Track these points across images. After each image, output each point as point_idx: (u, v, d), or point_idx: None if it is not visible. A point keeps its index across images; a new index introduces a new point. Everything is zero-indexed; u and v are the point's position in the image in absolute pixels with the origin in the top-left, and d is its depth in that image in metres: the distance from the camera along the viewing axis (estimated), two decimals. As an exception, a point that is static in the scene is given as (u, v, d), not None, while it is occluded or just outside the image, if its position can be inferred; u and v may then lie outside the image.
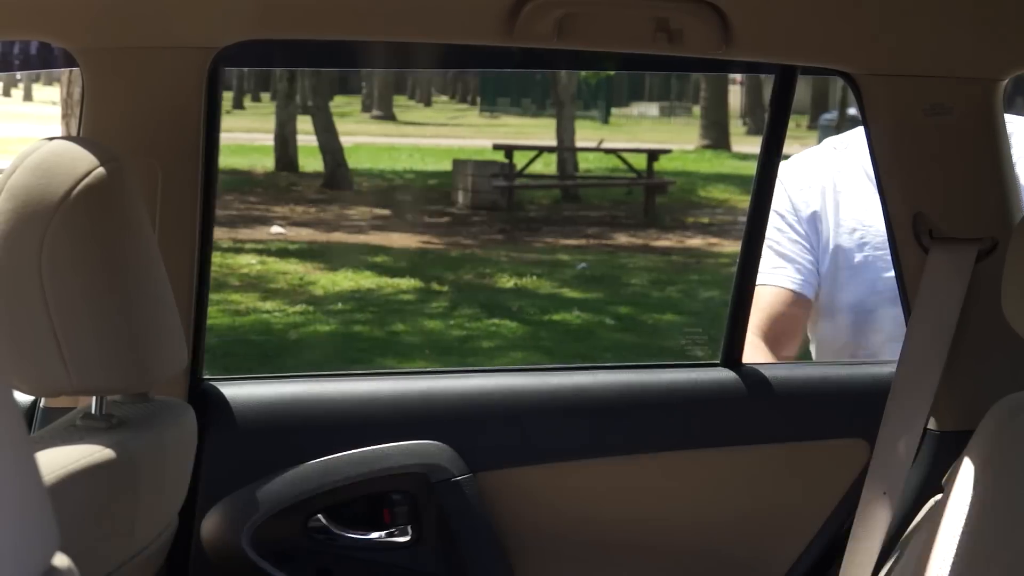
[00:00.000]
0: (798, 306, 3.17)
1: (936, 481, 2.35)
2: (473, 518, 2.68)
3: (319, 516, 2.64)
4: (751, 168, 2.95)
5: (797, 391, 2.88)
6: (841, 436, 2.82)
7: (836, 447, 2.82)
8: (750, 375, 2.86)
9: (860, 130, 2.95)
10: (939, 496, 2.32)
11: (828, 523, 2.82)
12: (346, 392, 2.73)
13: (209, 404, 2.57)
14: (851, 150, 3.22)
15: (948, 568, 2.20)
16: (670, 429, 2.82)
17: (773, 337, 3.15)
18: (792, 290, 3.16)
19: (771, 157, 2.78)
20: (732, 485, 2.85)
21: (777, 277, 3.18)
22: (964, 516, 2.21)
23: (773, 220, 3.10)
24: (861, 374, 2.91)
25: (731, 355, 2.86)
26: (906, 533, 2.34)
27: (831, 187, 3.24)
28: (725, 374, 2.84)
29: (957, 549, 2.20)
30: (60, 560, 1.08)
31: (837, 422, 2.84)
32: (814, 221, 3.23)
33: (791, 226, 3.23)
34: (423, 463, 2.66)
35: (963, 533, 2.21)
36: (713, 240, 16.31)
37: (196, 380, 2.57)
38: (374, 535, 2.69)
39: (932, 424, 2.43)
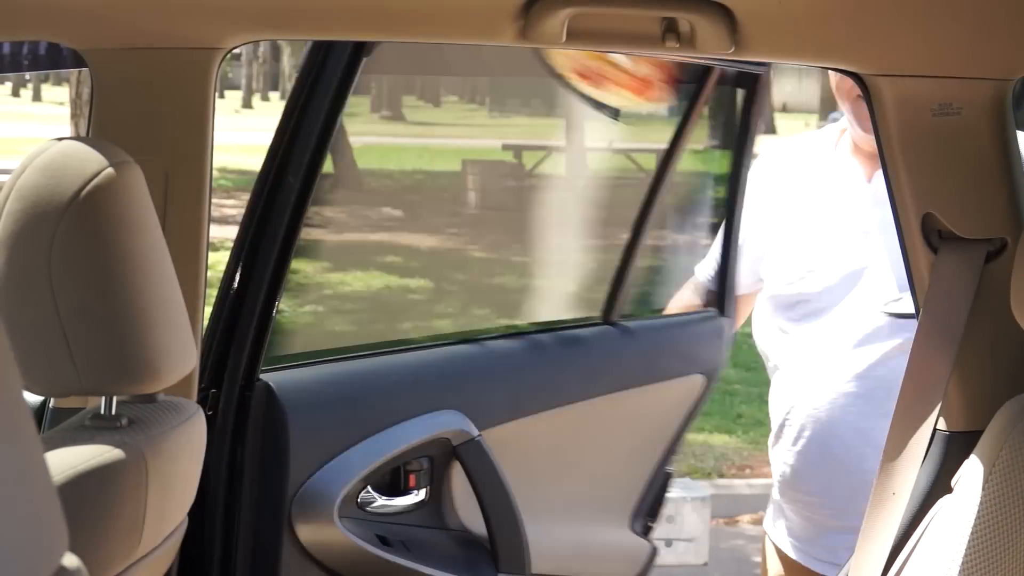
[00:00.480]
0: (694, 290, 3.67)
1: (945, 482, 2.35)
2: (492, 472, 2.99)
3: (368, 489, 2.87)
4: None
5: (657, 339, 3.54)
6: (687, 373, 3.50)
7: (684, 383, 3.49)
8: (625, 329, 3.44)
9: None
10: (948, 496, 2.32)
11: (672, 444, 3.54)
12: (369, 369, 3.00)
13: (273, 396, 2.73)
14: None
15: (958, 568, 2.20)
16: (574, 381, 3.29)
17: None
18: (698, 279, 3.67)
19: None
20: (619, 425, 3.38)
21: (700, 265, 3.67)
22: (974, 516, 2.21)
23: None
24: (697, 319, 3.61)
25: (609, 313, 3.43)
26: (915, 534, 2.34)
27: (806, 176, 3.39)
28: (607, 330, 3.41)
29: (967, 549, 2.20)
30: (69, 560, 1.08)
31: (684, 362, 3.51)
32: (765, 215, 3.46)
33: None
34: (447, 429, 2.93)
35: (972, 533, 2.20)
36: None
37: (256, 375, 2.73)
38: (411, 500, 2.95)
39: (941, 424, 2.43)
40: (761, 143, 3.65)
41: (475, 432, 2.98)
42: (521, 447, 3.10)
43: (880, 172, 3.15)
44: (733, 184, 3.64)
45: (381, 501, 2.91)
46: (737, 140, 3.69)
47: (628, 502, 3.51)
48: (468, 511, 3.02)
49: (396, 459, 2.88)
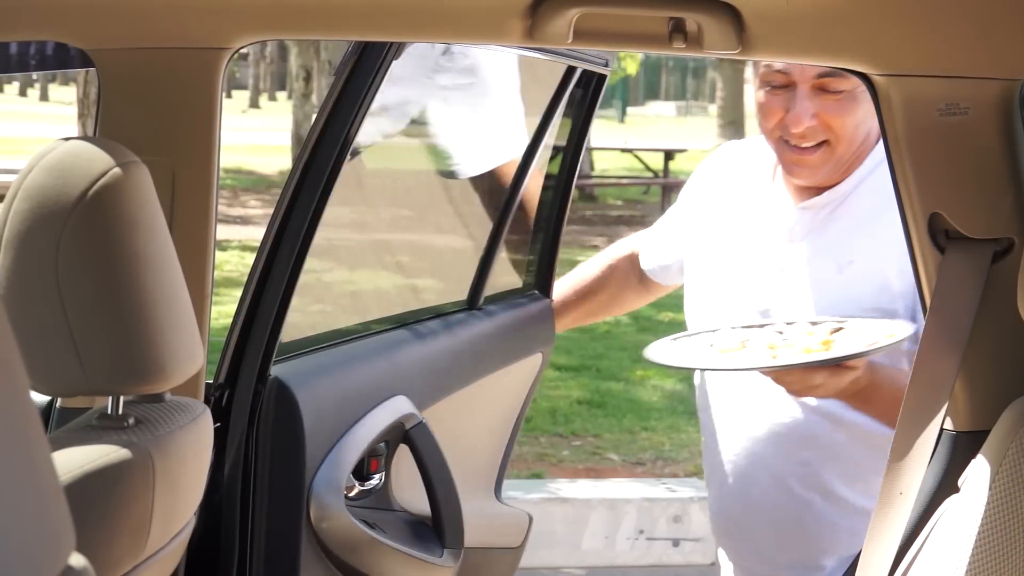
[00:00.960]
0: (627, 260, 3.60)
1: (952, 481, 2.34)
2: (437, 453, 3.08)
3: (349, 475, 2.91)
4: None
5: (510, 322, 3.68)
6: (532, 353, 3.71)
7: (530, 362, 3.70)
8: (489, 313, 3.63)
9: None
10: (955, 496, 2.32)
11: (520, 415, 3.74)
12: (353, 355, 3.11)
13: (285, 389, 2.76)
14: None
15: (965, 568, 2.20)
16: (458, 366, 3.43)
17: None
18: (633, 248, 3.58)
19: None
20: (487, 405, 3.60)
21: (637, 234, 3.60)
22: (980, 516, 2.21)
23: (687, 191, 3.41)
24: (530, 301, 3.80)
25: (475, 299, 3.61)
26: (922, 533, 2.34)
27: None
28: (475, 314, 3.59)
29: (973, 549, 2.20)
30: (76, 560, 1.08)
31: (529, 343, 3.71)
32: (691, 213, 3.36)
33: (682, 205, 3.41)
34: (402, 414, 3.02)
35: (979, 533, 2.20)
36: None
37: (268, 370, 2.75)
38: (372, 484, 3.01)
39: (948, 424, 2.43)
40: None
41: (420, 416, 3.07)
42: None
43: (806, 203, 3.05)
44: (565, 181, 3.89)
45: (356, 487, 2.97)
46: (577, 136, 3.87)
47: (493, 476, 3.75)
48: (408, 492, 3.10)
49: (372, 444, 2.95)
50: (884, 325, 2.82)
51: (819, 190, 3.05)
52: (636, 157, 22.11)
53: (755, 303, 3.09)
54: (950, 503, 2.32)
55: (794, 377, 2.79)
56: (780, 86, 2.96)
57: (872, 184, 3.00)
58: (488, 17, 2.31)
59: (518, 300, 3.86)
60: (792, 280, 3.05)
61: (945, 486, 2.37)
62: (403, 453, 3.06)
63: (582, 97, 3.81)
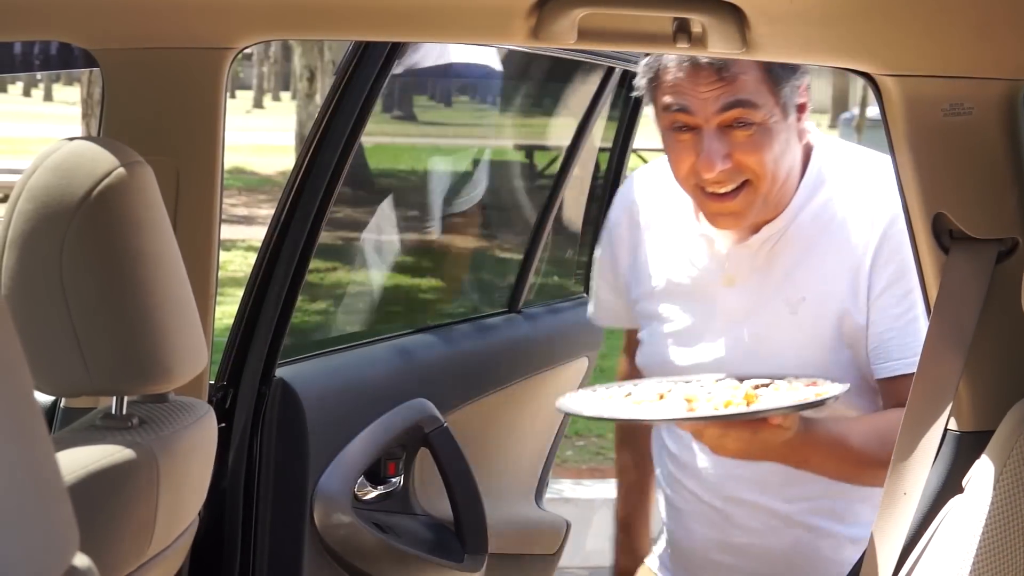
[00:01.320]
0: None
1: (956, 482, 2.34)
2: (459, 458, 3.08)
3: (362, 478, 2.93)
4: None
5: (554, 326, 3.78)
6: (577, 357, 3.77)
7: (575, 365, 3.75)
8: (529, 316, 3.73)
9: None
10: (959, 496, 2.32)
11: (564, 420, 3.76)
12: (363, 359, 3.14)
13: (290, 391, 2.79)
14: None
15: (969, 568, 2.20)
16: (495, 369, 3.47)
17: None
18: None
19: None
20: (528, 408, 3.60)
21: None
22: (984, 516, 2.21)
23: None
24: (577, 305, 3.80)
25: (514, 302, 3.72)
26: (926, 534, 2.34)
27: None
28: (514, 318, 3.69)
29: (978, 549, 2.20)
30: (80, 560, 1.09)
31: (574, 347, 3.77)
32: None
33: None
34: (421, 417, 3.04)
35: (983, 533, 2.20)
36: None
37: (272, 371, 2.78)
38: (390, 487, 3.03)
39: (952, 424, 2.42)
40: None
41: (442, 419, 3.07)
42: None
43: (743, 243, 2.79)
44: (613, 182, 3.95)
45: (369, 490, 2.98)
46: (623, 138, 3.98)
47: (534, 481, 3.75)
48: (430, 496, 3.11)
49: (386, 447, 2.95)
50: (815, 387, 2.58)
51: (755, 227, 2.78)
52: (640, 157, 22.05)
53: (706, 356, 2.83)
54: (954, 503, 2.32)
55: (714, 432, 2.54)
56: (685, 128, 2.68)
57: (812, 212, 2.78)
58: (491, 17, 2.31)
59: (563, 303, 3.90)
60: (743, 329, 2.81)
61: (949, 486, 2.37)
62: (429, 457, 3.05)
63: (626, 98, 3.82)
